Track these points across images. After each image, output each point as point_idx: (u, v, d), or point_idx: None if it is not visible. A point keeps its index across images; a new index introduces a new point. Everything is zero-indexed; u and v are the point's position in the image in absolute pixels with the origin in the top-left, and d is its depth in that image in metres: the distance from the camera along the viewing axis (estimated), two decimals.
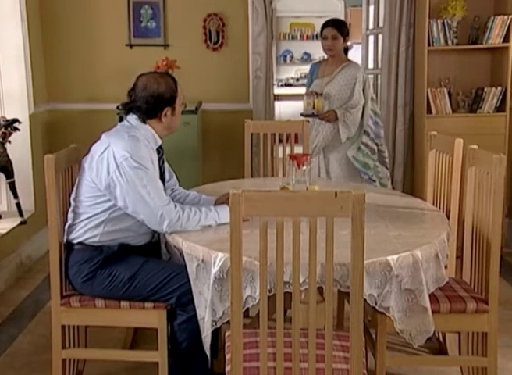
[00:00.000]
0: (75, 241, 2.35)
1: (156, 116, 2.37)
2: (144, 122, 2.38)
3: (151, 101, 2.35)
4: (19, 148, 4.03)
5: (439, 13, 4.15)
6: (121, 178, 2.23)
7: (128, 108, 2.41)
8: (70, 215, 2.39)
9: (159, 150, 2.46)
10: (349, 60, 3.93)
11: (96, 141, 2.38)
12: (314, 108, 3.79)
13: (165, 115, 2.38)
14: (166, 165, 2.62)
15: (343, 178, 3.84)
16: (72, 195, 2.40)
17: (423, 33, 4.13)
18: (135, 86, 2.40)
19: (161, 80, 2.39)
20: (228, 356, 1.88)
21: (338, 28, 3.81)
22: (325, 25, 3.85)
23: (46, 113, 4.59)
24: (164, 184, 2.45)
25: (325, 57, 4.02)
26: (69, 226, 2.38)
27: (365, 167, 3.88)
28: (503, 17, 4.05)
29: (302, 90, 8.72)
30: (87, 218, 2.33)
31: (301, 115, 3.88)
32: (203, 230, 2.24)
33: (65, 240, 2.38)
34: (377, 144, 3.90)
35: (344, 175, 3.87)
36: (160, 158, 2.45)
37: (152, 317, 2.31)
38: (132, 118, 2.40)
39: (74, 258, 2.35)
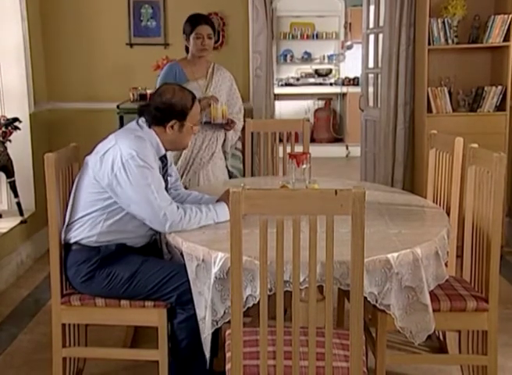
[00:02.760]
0: (72, 241, 2.35)
1: (162, 124, 2.36)
2: (150, 126, 2.38)
3: (160, 108, 2.35)
4: (20, 147, 4.03)
5: (439, 12, 4.14)
6: (125, 176, 2.22)
7: (141, 110, 2.42)
8: (68, 212, 2.39)
9: (163, 159, 2.45)
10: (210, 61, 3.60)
11: (103, 140, 2.39)
12: (222, 116, 3.41)
13: (172, 127, 2.36)
14: (173, 167, 2.64)
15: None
16: (72, 192, 2.40)
17: (423, 32, 4.13)
18: (155, 91, 2.44)
19: (179, 92, 2.39)
20: (228, 355, 1.88)
21: (212, 26, 3.46)
22: (198, 22, 3.40)
23: (46, 112, 4.59)
24: (167, 187, 2.45)
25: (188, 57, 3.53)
26: (67, 225, 2.38)
27: (240, 172, 3.79)
28: (504, 16, 4.05)
29: (303, 89, 8.87)
30: (85, 215, 2.33)
31: (211, 124, 3.43)
32: (203, 230, 2.24)
33: (62, 240, 2.37)
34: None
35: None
36: (164, 167, 2.45)
37: (152, 316, 2.31)
38: (140, 120, 2.41)
39: (72, 259, 2.34)
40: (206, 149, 3.51)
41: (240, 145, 3.74)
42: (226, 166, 3.72)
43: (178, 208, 2.25)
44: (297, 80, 9.04)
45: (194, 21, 3.42)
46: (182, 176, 3.45)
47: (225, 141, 3.63)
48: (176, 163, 3.43)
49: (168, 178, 2.54)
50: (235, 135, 3.63)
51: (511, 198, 4.34)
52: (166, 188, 2.41)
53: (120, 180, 2.23)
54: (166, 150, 2.44)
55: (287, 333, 1.73)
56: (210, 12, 4.63)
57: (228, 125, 3.49)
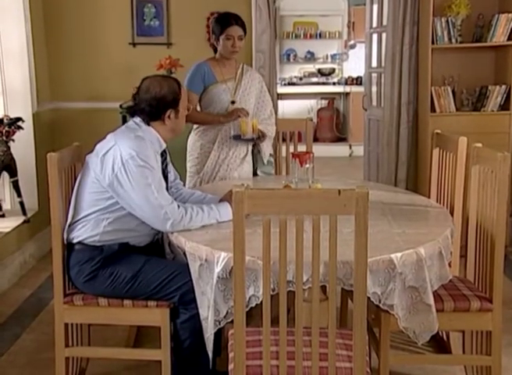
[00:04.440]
0: (75, 241, 2.35)
1: (159, 118, 2.39)
2: (148, 124, 2.39)
3: (153, 104, 2.36)
4: (23, 146, 4.03)
5: (442, 11, 4.13)
6: (126, 176, 2.23)
7: (132, 111, 2.43)
8: (71, 213, 2.39)
9: (163, 153, 2.46)
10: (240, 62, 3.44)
11: (101, 140, 2.39)
12: (253, 130, 3.22)
13: (169, 117, 2.39)
14: (171, 166, 2.63)
15: None
16: (74, 192, 2.40)
17: (427, 31, 4.12)
18: (139, 89, 2.42)
19: (164, 82, 2.40)
20: (231, 355, 1.88)
21: (243, 27, 3.28)
22: (229, 23, 3.24)
23: (49, 112, 4.60)
24: (167, 184, 2.45)
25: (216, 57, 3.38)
26: (70, 225, 2.38)
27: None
28: (508, 15, 4.04)
29: (306, 89, 8.86)
30: (87, 215, 2.33)
31: (240, 139, 3.26)
32: (206, 230, 2.24)
33: (65, 240, 2.37)
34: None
35: None
36: (163, 162, 2.46)
37: (155, 316, 2.31)
38: (137, 120, 2.41)
39: (75, 259, 2.34)
40: (233, 155, 3.36)
41: (271, 150, 3.54)
42: (255, 171, 3.54)
43: (179, 207, 2.25)
44: (300, 79, 9.04)
45: (225, 21, 3.27)
46: (208, 182, 3.34)
47: (259, 152, 3.46)
48: (201, 169, 3.36)
49: (168, 175, 2.54)
50: (270, 143, 3.45)
51: None
52: (167, 187, 2.42)
53: (121, 180, 2.24)
54: (166, 142, 2.46)
55: (290, 333, 1.73)
56: (213, 11, 4.62)
57: (259, 139, 3.31)
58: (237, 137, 3.27)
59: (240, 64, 3.45)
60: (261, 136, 3.32)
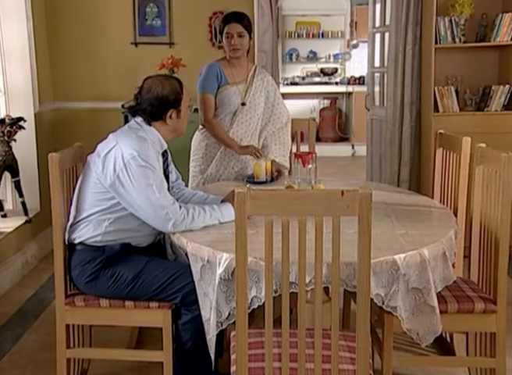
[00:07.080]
0: (76, 241, 2.34)
1: (161, 118, 2.38)
2: (149, 124, 2.38)
3: (155, 103, 2.35)
4: (25, 146, 4.03)
5: (446, 11, 4.11)
6: (127, 176, 2.22)
7: (134, 110, 2.42)
8: (72, 213, 2.38)
9: (164, 154, 2.46)
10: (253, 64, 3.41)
11: (103, 140, 2.38)
12: (266, 173, 3.05)
13: (170, 117, 2.38)
14: (172, 166, 2.62)
15: None
16: (76, 192, 2.39)
17: (430, 30, 4.10)
18: (141, 89, 2.41)
19: (166, 82, 2.39)
20: (233, 356, 1.87)
21: (243, 24, 3.21)
22: (227, 21, 3.22)
23: (51, 112, 4.59)
24: (169, 185, 2.45)
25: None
26: (71, 226, 2.37)
27: None
28: None
29: (308, 89, 8.84)
30: (89, 215, 2.32)
31: (255, 182, 3.03)
32: (208, 230, 2.23)
33: (66, 240, 2.37)
34: None
35: None
36: (165, 162, 2.45)
37: (157, 317, 2.30)
38: (138, 120, 2.40)
39: (76, 260, 2.34)
40: (240, 158, 3.27)
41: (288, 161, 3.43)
42: None
43: (180, 207, 2.24)
44: (303, 79, 9.03)
45: (225, 19, 3.23)
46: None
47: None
48: (205, 170, 3.30)
49: (169, 175, 2.54)
50: (287, 155, 3.36)
51: None
52: (168, 187, 2.41)
53: (122, 180, 2.23)
54: (167, 142, 2.45)
55: (293, 335, 1.71)
56: (215, 11, 4.62)
57: (272, 181, 3.09)
58: (251, 180, 3.09)
59: (252, 66, 3.39)
60: (276, 176, 3.15)
